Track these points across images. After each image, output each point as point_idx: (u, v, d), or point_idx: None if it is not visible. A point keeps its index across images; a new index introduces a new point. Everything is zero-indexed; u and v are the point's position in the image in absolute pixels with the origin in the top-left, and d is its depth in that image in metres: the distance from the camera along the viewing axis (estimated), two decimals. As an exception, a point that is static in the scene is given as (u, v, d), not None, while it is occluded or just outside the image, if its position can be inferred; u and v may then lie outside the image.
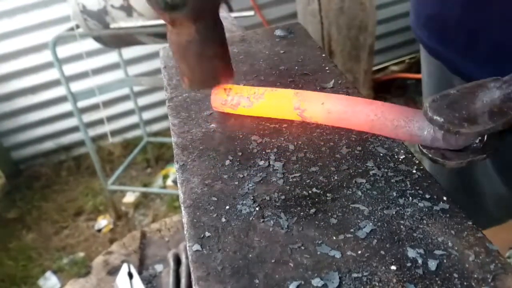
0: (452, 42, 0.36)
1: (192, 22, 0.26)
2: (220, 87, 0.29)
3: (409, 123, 0.23)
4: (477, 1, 0.32)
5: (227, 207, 0.22)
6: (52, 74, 1.59)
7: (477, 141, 0.23)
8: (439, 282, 0.18)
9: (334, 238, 0.20)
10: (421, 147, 0.23)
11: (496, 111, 0.21)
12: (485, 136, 0.23)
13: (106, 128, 1.46)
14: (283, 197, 0.23)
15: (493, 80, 0.23)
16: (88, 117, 1.67)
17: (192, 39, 0.26)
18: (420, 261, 0.19)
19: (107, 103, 1.67)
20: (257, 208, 0.22)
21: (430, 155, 0.23)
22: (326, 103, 0.26)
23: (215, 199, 0.23)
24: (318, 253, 0.20)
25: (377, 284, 0.18)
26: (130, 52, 1.58)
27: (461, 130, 0.21)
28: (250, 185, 0.24)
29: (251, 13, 1.08)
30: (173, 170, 1.61)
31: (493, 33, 0.32)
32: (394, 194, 0.22)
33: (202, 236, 0.21)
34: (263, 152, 0.26)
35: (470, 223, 0.20)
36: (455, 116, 0.22)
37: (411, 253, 0.19)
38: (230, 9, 1.17)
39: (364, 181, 0.23)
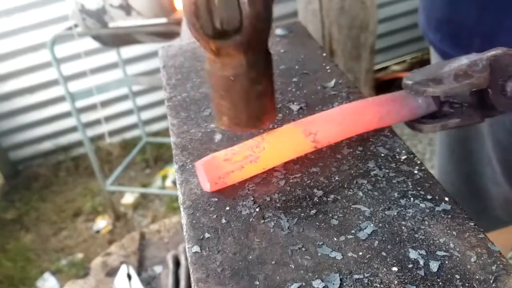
0: (466, 46, 0.36)
1: (242, 52, 0.21)
2: (208, 161, 0.23)
3: (406, 102, 0.25)
4: (495, 5, 0.32)
5: (227, 208, 0.22)
6: (50, 73, 1.58)
7: (447, 107, 0.25)
8: (440, 283, 0.18)
9: (335, 239, 0.20)
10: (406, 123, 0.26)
11: (461, 74, 0.24)
12: (463, 106, 0.25)
13: (105, 128, 1.46)
14: (283, 198, 0.22)
15: (467, 53, 0.25)
16: (86, 117, 1.66)
17: (241, 73, 0.21)
18: (421, 262, 0.19)
19: (106, 103, 1.67)
20: (257, 209, 0.22)
21: (412, 124, 0.26)
22: (334, 117, 0.24)
23: (215, 199, 0.23)
24: (319, 254, 0.19)
25: (378, 285, 0.18)
26: (128, 51, 1.57)
27: (427, 89, 0.24)
28: (250, 185, 0.23)
29: (250, 12, 1.08)
30: (172, 171, 1.61)
31: (510, 38, 0.32)
32: (396, 195, 0.22)
33: (201, 237, 0.21)
34: (263, 153, 0.26)
35: (472, 224, 0.20)
36: (423, 79, 0.24)
37: (412, 254, 0.19)
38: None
39: (365, 181, 0.23)
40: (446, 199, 0.22)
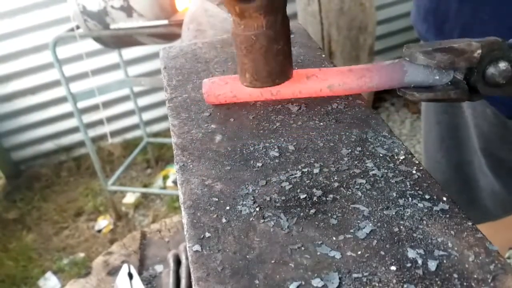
0: (447, 36, 0.37)
1: (262, 15, 0.25)
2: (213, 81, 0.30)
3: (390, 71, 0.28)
4: None
5: (227, 207, 0.22)
6: (52, 74, 1.59)
7: (443, 80, 0.26)
8: (439, 282, 0.18)
9: (334, 238, 0.20)
10: (399, 89, 0.28)
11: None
12: (451, 76, 0.26)
13: (106, 128, 1.46)
14: (283, 197, 0.23)
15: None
16: (88, 118, 1.67)
17: (261, 33, 0.26)
18: (420, 261, 0.19)
19: (107, 104, 1.67)
20: (257, 209, 0.22)
21: (404, 91, 0.27)
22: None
23: (215, 199, 0.23)
24: (318, 253, 0.20)
25: (377, 284, 0.18)
26: (130, 52, 1.58)
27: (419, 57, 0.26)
28: (250, 185, 0.24)
29: (251, 13, 1.08)
30: (173, 171, 1.61)
31: (485, 28, 0.33)
32: (394, 194, 0.22)
33: (202, 236, 0.21)
34: (263, 153, 0.26)
35: (470, 223, 0.20)
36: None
37: (411, 253, 0.19)
38: (230, 10, 1.16)
39: (364, 181, 0.23)
40: (444, 199, 0.22)
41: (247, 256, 0.20)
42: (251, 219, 0.22)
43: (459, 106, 0.44)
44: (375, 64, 0.28)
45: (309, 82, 0.29)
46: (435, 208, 0.21)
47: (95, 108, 1.58)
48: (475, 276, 0.18)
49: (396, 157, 0.25)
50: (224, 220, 0.22)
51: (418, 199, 0.22)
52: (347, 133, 0.27)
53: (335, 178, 0.24)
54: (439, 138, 0.50)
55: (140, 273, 0.68)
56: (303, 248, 0.20)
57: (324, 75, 0.29)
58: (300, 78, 0.29)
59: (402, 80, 0.27)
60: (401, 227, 0.20)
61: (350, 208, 0.22)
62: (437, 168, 0.51)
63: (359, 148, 0.26)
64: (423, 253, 0.19)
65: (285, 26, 0.27)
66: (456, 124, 0.46)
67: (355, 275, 0.18)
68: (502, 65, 0.25)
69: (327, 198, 0.22)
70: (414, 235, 0.20)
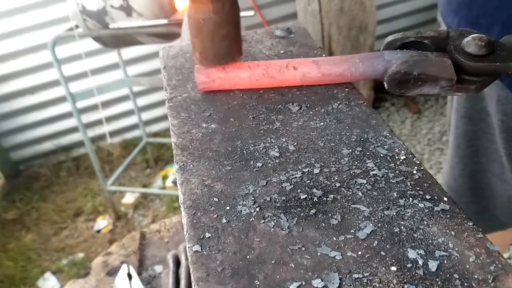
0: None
1: (209, 0, 0.28)
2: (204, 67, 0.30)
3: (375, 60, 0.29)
4: None
5: (227, 207, 0.22)
6: (51, 74, 1.58)
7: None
8: (439, 283, 0.18)
9: (335, 239, 0.20)
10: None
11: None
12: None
13: (105, 128, 1.46)
14: (283, 198, 0.23)
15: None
16: (87, 118, 1.66)
17: (208, 18, 0.28)
18: (420, 262, 0.19)
19: (106, 104, 1.67)
20: (257, 209, 0.22)
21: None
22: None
23: (215, 199, 0.23)
24: (319, 254, 0.19)
25: (377, 285, 0.18)
26: (129, 52, 1.58)
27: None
28: (250, 185, 0.24)
29: (251, 13, 1.08)
30: (172, 171, 1.61)
31: None
32: (395, 194, 0.22)
33: (202, 237, 0.21)
34: (263, 153, 0.26)
35: (470, 223, 0.20)
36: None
37: (411, 254, 0.19)
38: (230, 10, 1.16)
39: (364, 181, 0.23)
40: (445, 199, 0.22)
41: (247, 256, 0.20)
42: (251, 219, 0.21)
43: (482, 109, 0.42)
44: (358, 54, 0.30)
45: (287, 73, 0.29)
46: (435, 208, 0.21)
47: (94, 108, 1.57)
48: (476, 276, 0.18)
49: (396, 157, 0.25)
50: (224, 220, 0.22)
51: (419, 199, 0.22)
52: (348, 133, 0.27)
53: (336, 178, 0.23)
54: (456, 144, 0.48)
55: (139, 274, 0.67)
56: (303, 249, 0.20)
57: (299, 64, 0.30)
58: (277, 68, 0.30)
59: (384, 69, 0.28)
60: (402, 227, 0.20)
61: (351, 208, 0.22)
62: (451, 173, 0.50)
63: (359, 148, 0.26)
64: (423, 253, 0.19)
65: (233, 14, 0.29)
66: (475, 131, 0.45)
67: (355, 276, 0.18)
68: (475, 35, 0.27)
69: (328, 198, 0.22)
70: (415, 235, 0.20)
